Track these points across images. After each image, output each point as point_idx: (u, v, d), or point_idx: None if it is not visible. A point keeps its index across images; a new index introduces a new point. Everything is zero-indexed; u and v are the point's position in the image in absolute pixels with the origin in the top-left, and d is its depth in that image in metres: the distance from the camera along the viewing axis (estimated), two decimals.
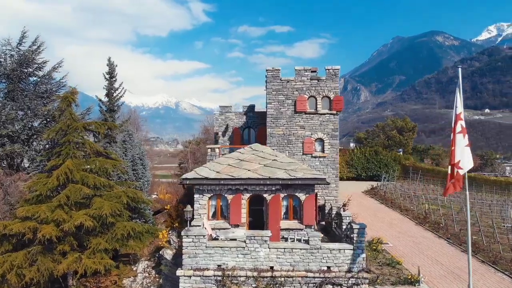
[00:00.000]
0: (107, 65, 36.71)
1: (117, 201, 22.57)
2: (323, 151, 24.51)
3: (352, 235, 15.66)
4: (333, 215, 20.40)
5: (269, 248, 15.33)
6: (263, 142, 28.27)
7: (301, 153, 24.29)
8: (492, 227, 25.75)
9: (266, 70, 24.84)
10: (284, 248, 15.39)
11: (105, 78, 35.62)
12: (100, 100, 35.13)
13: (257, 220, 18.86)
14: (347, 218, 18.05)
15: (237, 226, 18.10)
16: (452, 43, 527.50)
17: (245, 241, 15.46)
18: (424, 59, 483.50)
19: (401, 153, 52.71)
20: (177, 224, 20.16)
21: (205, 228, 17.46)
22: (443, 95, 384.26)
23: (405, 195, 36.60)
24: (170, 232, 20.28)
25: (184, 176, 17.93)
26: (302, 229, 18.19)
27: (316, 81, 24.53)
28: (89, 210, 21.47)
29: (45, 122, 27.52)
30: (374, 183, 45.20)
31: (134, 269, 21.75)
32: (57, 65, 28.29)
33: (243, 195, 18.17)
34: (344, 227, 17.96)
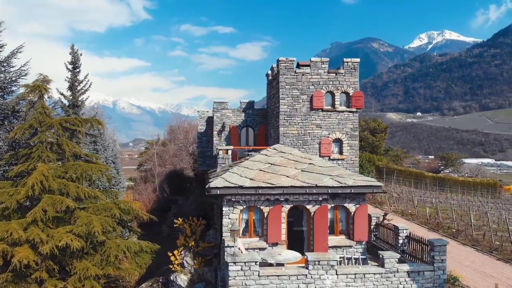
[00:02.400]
0: (70, 54, 31.64)
1: (106, 215, 18.51)
2: (341, 152, 21.93)
3: (431, 253, 13.20)
4: (371, 227, 17.84)
5: (337, 275, 12.35)
6: (264, 143, 25.22)
7: (318, 155, 21.47)
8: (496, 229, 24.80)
9: (279, 60, 21.77)
10: (355, 274, 12.50)
11: (68, 69, 30.62)
12: (62, 94, 30.06)
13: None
14: (404, 231, 15.57)
15: (275, 244, 14.88)
16: (387, 49, 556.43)
17: (307, 267, 12.36)
18: (360, 64, 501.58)
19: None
20: (192, 243, 16.46)
21: (239, 249, 14.09)
22: (378, 98, 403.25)
23: (397, 198, 35.24)
24: (183, 252, 16.54)
25: (212, 185, 14.35)
26: (351, 246, 15.37)
27: (334, 74, 21.90)
28: (73, 227, 17.28)
29: (1, 118, 22.26)
30: None
31: None
32: (16, 50, 23.08)
33: (283, 206, 14.98)
34: (400, 241, 15.47)
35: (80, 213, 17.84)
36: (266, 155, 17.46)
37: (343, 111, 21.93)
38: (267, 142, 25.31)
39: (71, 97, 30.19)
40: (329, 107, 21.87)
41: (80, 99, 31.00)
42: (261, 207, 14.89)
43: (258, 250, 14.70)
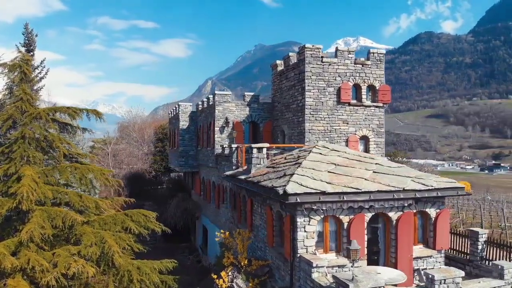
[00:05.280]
0: (23, 34, 26.34)
1: (118, 230, 14.80)
2: (367, 151, 20.16)
3: None
4: None
5: None
6: (269, 140, 22.66)
7: None
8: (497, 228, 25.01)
9: (304, 47, 19.37)
10: None
11: (20, 52, 25.27)
12: (12, 81, 24.67)
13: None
14: (483, 235, 14.12)
15: (356, 260, 12.48)
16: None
17: None
18: None
19: None
20: (245, 261, 13.40)
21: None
22: None
23: None
24: (231, 273, 13.41)
25: (290, 191, 11.53)
26: (432, 256, 13.54)
27: (361, 66, 20.08)
28: (80, 247, 13.50)
29: None
30: None
31: None
32: None
33: (365, 215, 12.66)
34: (479, 247, 14.01)
35: (85, 228, 13.90)
36: (321, 153, 14.97)
37: (369, 106, 20.21)
38: (274, 139, 22.77)
39: None
40: (355, 101, 20.01)
41: (35, 88, 25.82)
42: (340, 217, 12.42)
43: (337, 268, 12.21)
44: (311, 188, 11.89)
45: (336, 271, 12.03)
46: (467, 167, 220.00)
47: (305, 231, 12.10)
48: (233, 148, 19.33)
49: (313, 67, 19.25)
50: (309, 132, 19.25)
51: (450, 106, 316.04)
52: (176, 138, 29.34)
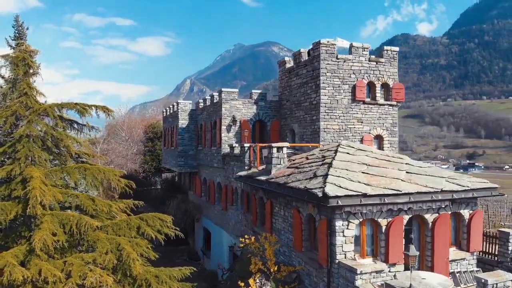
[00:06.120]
0: (13, 27, 24.66)
1: (133, 235, 13.85)
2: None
3: None
4: None
5: None
6: (277, 139, 22.01)
7: None
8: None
9: (319, 43, 18.74)
10: None
11: (10, 45, 23.75)
12: (3, 77, 23.20)
13: None
14: None
15: (393, 265, 11.91)
16: (286, 54, 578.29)
17: None
18: (262, 66, 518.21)
19: None
20: (275, 268, 12.62)
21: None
22: None
23: None
24: (259, 280, 12.60)
25: (331, 193, 10.83)
26: (465, 258, 13.12)
27: (375, 63, 19.59)
28: (95, 255, 12.54)
29: None
30: None
31: None
32: None
33: (403, 218, 12.10)
34: (510, 248, 13.68)
35: (98, 234, 12.91)
36: (348, 153, 14.33)
37: (383, 105, 19.76)
38: (281, 138, 22.05)
39: None
40: (369, 100, 19.53)
41: None
42: (378, 220, 11.81)
43: (374, 274, 11.58)
44: (351, 190, 11.23)
45: (373, 277, 11.43)
46: (443, 166, 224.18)
47: (343, 235, 11.43)
48: (245, 148, 18.52)
49: (328, 64, 18.64)
50: (324, 131, 18.63)
51: (426, 107, 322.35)
52: (174, 137, 28.25)
